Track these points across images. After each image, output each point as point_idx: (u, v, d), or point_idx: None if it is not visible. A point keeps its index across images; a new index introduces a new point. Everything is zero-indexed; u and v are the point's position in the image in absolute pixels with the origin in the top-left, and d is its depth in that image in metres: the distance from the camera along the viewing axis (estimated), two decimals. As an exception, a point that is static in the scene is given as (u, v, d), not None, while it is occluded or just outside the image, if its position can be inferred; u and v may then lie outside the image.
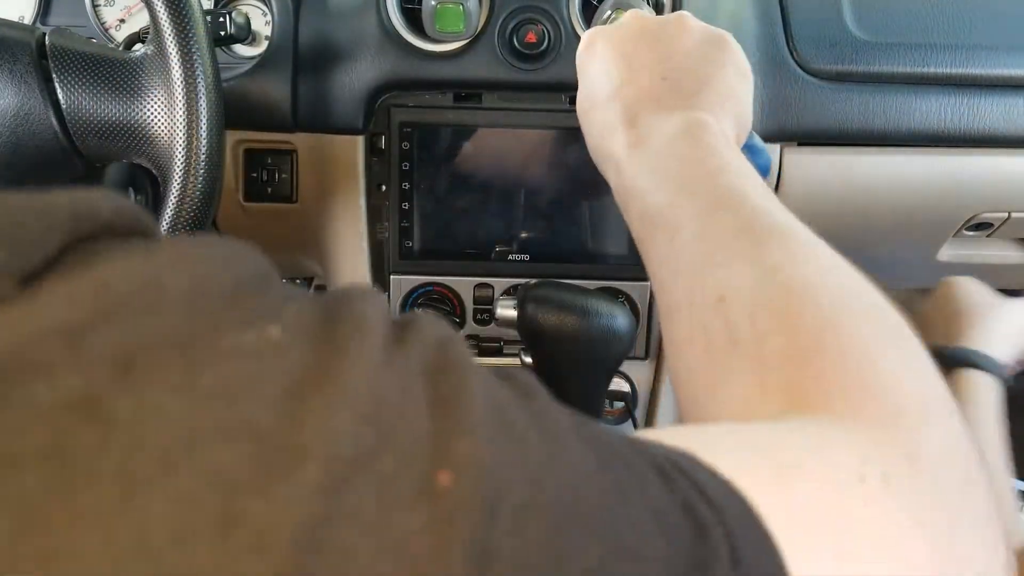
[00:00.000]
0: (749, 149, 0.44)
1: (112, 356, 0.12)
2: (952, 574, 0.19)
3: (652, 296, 0.67)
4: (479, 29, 0.59)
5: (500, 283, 0.67)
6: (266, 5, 0.64)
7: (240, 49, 0.65)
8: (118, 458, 0.11)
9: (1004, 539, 0.22)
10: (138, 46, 0.52)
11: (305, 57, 0.60)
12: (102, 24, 0.66)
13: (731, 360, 0.26)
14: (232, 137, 0.60)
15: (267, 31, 0.64)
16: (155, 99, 0.46)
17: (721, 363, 0.27)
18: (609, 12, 0.53)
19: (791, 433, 0.21)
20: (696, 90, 0.36)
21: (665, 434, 0.20)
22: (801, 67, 0.60)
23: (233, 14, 0.56)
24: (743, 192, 0.30)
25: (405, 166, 0.62)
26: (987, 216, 0.65)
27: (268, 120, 0.59)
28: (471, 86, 0.61)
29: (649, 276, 0.33)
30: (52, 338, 0.12)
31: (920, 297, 0.67)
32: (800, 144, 0.62)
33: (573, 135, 0.62)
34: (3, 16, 0.50)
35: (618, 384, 0.69)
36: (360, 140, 0.61)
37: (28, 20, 0.65)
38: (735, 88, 0.38)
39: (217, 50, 0.49)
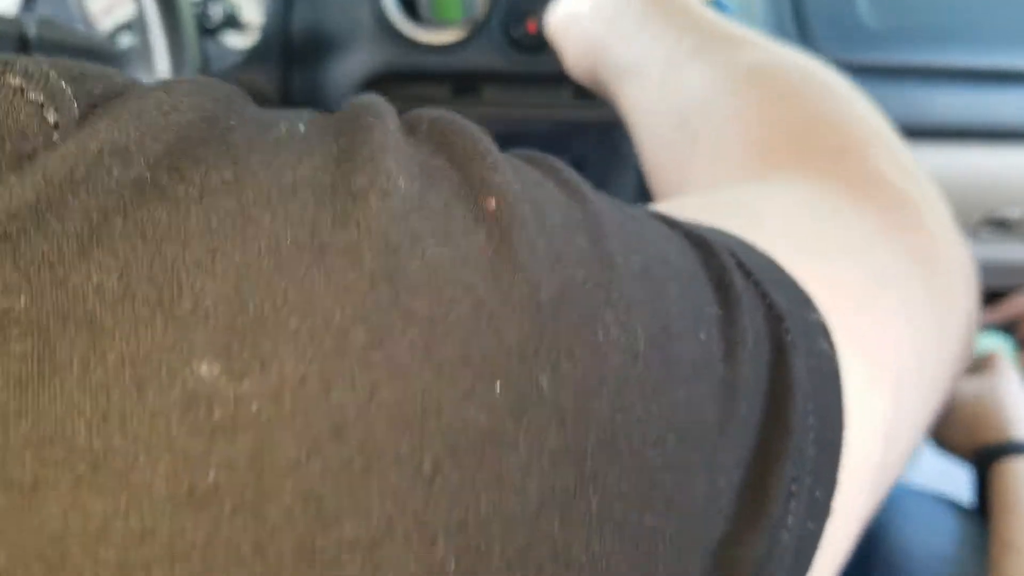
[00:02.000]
0: (716, 5, 0.46)
1: (164, 159, 0.13)
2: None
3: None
4: (479, 18, 0.57)
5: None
6: (258, -6, 0.62)
7: (231, 40, 0.63)
8: (195, 225, 0.12)
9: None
10: (125, 37, 0.50)
11: (297, 48, 0.58)
12: (87, 14, 0.64)
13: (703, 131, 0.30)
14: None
15: (259, 21, 0.62)
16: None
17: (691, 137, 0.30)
18: None
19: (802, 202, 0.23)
20: None
21: (674, 206, 0.22)
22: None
23: (222, 4, 0.54)
24: (711, 19, 0.35)
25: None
26: (1006, 212, 0.64)
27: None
28: (469, 77, 0.58)
29: (627, 123, 0.38)
30: (109, 154, 0.13)
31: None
32: (812, 138, 0.60)
33: (577, 130, 0.60)
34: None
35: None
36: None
37: (13, 9, 0.63)
38: None
39: (206, 42, 0.47)
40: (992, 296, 0.65)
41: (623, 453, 0.14)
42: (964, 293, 0.26)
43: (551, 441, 0.13)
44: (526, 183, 0.15)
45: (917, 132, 0.59)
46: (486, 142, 0.16)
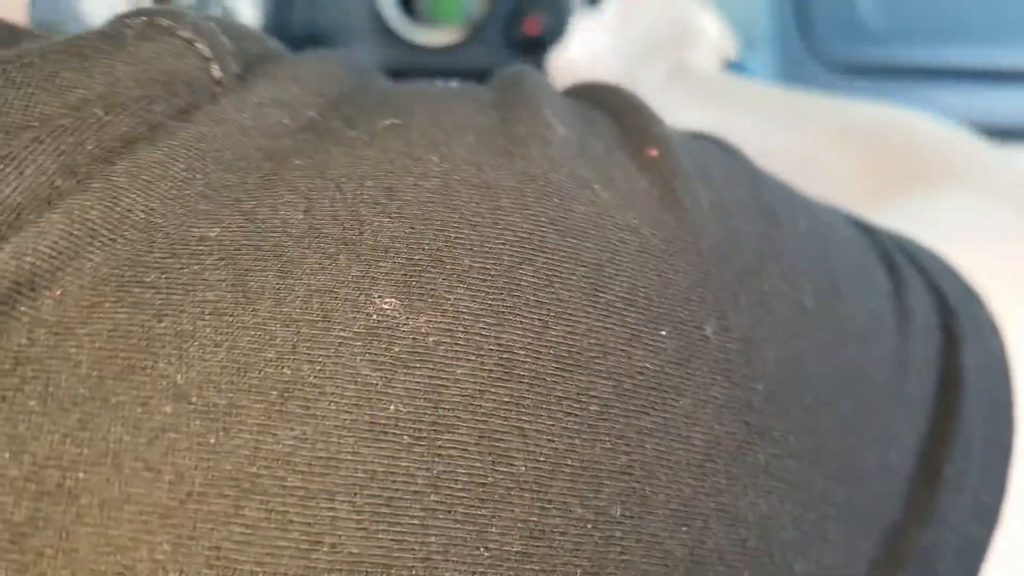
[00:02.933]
0: (737, 68, 0.46)
1: (328, 110, 0.14)
2: None
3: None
4: (478, 19, 0.56)
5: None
6: (255, -5, 0.61)
7: (228, 42, 0.63)
8: (369, 165, 0.13)
9: None
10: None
11: (295, 49, 0.57)
12: (84, 14, 0.63)
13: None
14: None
15: (256, 22, 0.61)
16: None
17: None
18: None
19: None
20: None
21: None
22: (818, 61, 0.58)
23: (220, 5, 0.54)
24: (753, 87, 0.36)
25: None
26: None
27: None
28: (468, 78, 0.58)
29: None
30: (272, 106, 0.13)
31: None
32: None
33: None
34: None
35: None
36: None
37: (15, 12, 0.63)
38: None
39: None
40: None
41: (793, 410, 0.13)
42: None
43: (717, 391, 0.13)
44: (685, 138, 0.15)
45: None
46: (640, 99, 0.16)
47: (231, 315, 0.11)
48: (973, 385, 0.16)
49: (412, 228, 0.12)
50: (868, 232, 0.17)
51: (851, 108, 0.32)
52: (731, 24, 0.54)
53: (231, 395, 0.11)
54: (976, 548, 0.16)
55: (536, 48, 0.56)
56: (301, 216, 0.12)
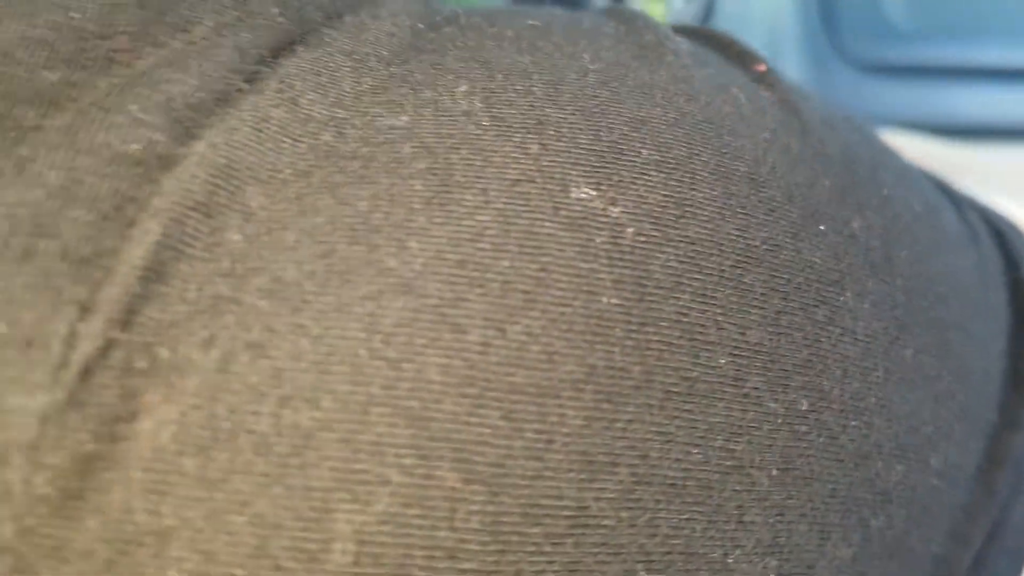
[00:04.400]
0: None
1: (444, 23, 0.14)
2: None
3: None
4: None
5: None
6: None
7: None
8: (524, 58, 0.13)
9: None
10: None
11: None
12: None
13: None
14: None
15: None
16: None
17: None
18: None
19: None
20: None
21: None
22: (844, 61, 0.58)
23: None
24: None
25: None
26: (1036, 213, 0.63)
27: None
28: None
29: None
30: (406, 15, 0.14)
31: None
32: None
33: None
34: None
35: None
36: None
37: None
38: None
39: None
40: None
41: (923, 306, 0.14)
42: None
43: (871, 284, 0.13)
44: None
45: (946, 132, 0.58)
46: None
47: (440, 206, 0.11)
48: None
49: (588, 120, 0.12)
50: (928, 176, 0.18)
51: None
52: (755, 24, 0.54)
53: (455, 288, 0.10)
54: None
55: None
56: (479, 103, 0.12)
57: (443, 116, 0.12)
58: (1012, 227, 0.18)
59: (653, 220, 0.12)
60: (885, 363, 0.13)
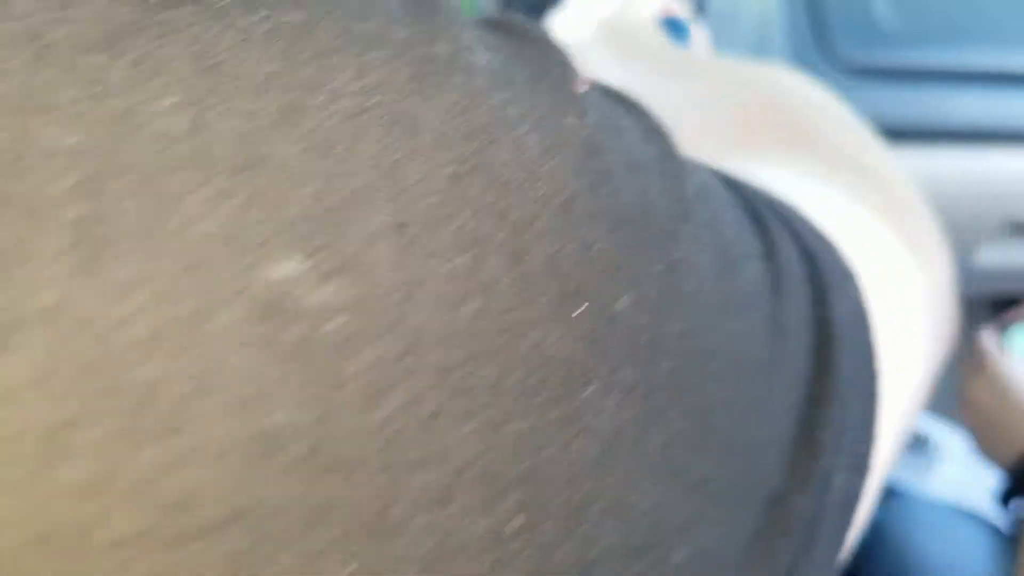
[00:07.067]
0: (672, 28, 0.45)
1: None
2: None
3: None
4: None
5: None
6: None
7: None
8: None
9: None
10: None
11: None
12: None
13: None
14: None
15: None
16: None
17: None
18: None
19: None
20: None
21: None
22: (832, 63, 0.58)
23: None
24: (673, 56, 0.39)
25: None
26: (1024, 217, 0.63)
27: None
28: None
29: None
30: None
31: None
32: (828, 141, 0.59)
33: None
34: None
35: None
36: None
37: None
38: None
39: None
40: (1010, 302, 0.64)
41: (686, 389, 0.12)
42: (939, 250, 0.26)
43: (623, 372, 0.11)
44: (599, 90, 0.14)
45: (935, 135, 0.59)
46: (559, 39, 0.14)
47: (87, 275, 0.08)
48: (844, 338, 0.15)
49: (317, 163, 0.09)
50: (735, 187, 0.17)
51: (744, 67, 0.34)
52: (743, 26, 0.53)
53: (66, 404, 0.08)
54: (853, 499, 0.15)
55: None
56: (186, 127, 0.09)
57: (129, 140, 0.09)
58: (826, 248, 0.17)
59: (372, 304, 0.09)
60: (626, 461, 0.11)
